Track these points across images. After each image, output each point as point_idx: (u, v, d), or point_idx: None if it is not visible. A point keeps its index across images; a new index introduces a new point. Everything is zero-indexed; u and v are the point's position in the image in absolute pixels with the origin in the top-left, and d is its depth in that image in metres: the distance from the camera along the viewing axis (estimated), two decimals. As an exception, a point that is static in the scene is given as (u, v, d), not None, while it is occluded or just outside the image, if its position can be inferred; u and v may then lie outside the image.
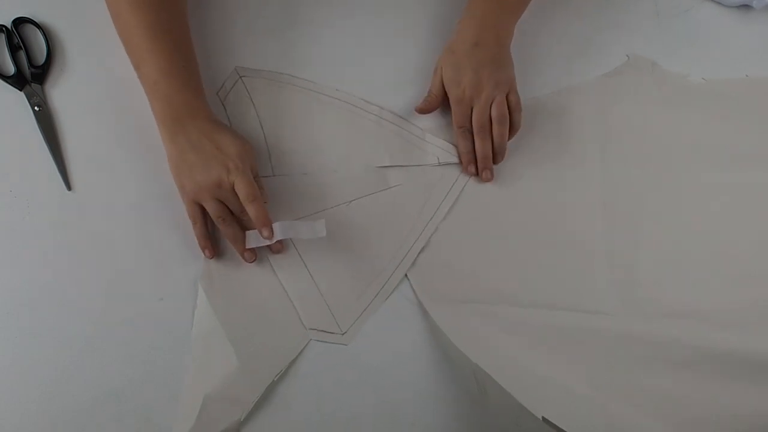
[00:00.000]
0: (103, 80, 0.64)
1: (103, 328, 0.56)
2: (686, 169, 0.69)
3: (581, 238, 0.65)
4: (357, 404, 0.57)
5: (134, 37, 0.59)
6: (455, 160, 0.67)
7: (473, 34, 0.66)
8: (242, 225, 0.59)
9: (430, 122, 0.69)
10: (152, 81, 0.58)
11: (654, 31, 0.78)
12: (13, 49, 0.64)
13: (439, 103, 0.68)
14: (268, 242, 0.57)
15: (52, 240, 0.58)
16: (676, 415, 0.55)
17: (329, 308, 0.59)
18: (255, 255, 0.60)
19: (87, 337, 0.56)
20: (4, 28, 0.65)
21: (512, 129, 0.67)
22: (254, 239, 0.58)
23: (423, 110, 0.67)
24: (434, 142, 0.68)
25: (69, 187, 0.61)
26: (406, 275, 0.62)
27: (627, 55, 0.75)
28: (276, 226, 0.57)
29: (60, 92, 0.64)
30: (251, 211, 0.56)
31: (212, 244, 0.59)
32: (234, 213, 0.58)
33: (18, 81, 0.63)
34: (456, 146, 0.67)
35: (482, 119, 0.65)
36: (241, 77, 0.67)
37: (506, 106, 0.66)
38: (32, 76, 0.63)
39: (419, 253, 0.63)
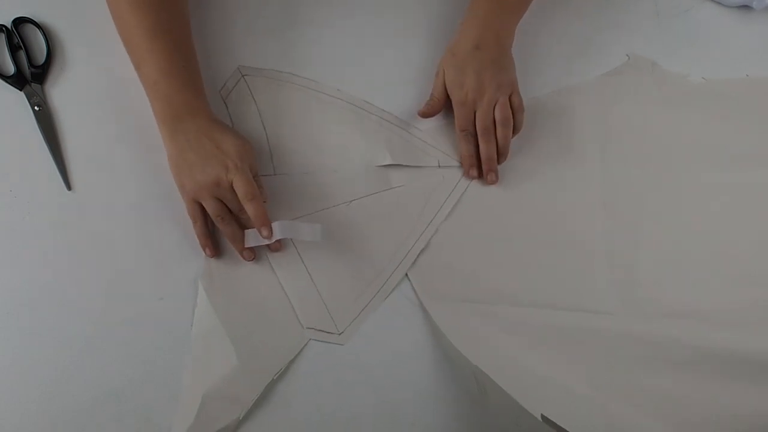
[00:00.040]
0: (103, 80, 0.64)
1: (103, 328, 0.56)
2: (686, 169, 0.69)
3: (581, 238, 0.65)
4: (357, 404, 0.57)
5: (134, 37, 0.59)
6: (455, 163, 0.67)
7: (474, 36, 0.66)
8: (241, 224, 0.59)
9: (430, 123, 0.69)
10: (152, 81, 0.58)
11: (654, 31, 0.78)
12: (13, 49, 0.64)
13: (442, 106, 0.67)
14: (266, 242, 0.57)
15: (52, 240, 0.58)
16: (676, 415, 0.55)
17: (327, 308, 0.59)
18: (254, 254, 0.60)
19: (87, 337, 0.56)
20: (4, 28, 0.64)
21: (515, 130, 0.67)
22: (253, 238, 0.58)
23: (425, 114, 0.67)
24: (435, 145, 0.68)
25: (69, 186, 0.60)
26: (407, 275, 0.62)
27: (627, 55, 0.75)
28: (275, 225, 0.57)
29: (60, 92, 0.64)
30: (250, 210, 0.56)
31: (213, 242, 0.59)
32: (233, 212, 0.58)
33: (18, 81, 0.63)
34: (457, 149, 0.67)
35: (486, 122, 0.65)
36: (243, 76, 0.67)
37: (510, 108, 0.66)
38: (32, 76, 0.63)
39: (420, 253, 0.63)
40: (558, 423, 0.50)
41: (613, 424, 0.54)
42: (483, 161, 0.66)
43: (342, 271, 0.61)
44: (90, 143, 0.62)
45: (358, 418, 0.56)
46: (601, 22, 0.77)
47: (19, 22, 0.65)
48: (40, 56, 0.64)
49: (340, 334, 0.59)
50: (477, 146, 0.66)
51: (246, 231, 0.58)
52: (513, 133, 0.66)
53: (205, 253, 0.59)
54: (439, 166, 0.67)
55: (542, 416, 0.51)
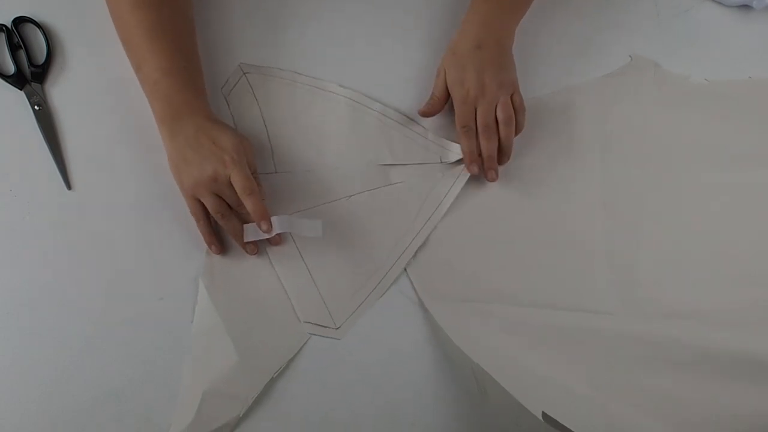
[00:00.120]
0: (103, 80, 0.64)
1: (103, 328, 0.56)
2: (686, 169, 0.69)
3: (581, 238, 0.65)
4: (357, 403, 0.57)
5: (135, 37, 0.59)
6: (457, 158, 0.67)
7: (475, 36, 0.66)
8: (242, 218, 0.59)
9: (432, 121, 0.69)
10: (152, 81, 0.58)
11: (654, 31, 0.78)
12: (13, 49, 0.64)
13: (443, 105, 0.67)
14: (266, 236, 0.57)
15: (52, 240, 0.58)
16: (676, 415, 0.55)
17: (324, 302, 0.59)
18: (257, 248, 0.60)
19: (87, 337, 0.56)
20: (4, 28, 0.64)
21: (516, 130, 0.66)
22: (252, 233, 0.58)
23: (426, 113, 0.67)
24: (437, 141, 0.68)
25: (69, 186, 0.60)
26: (407, 274, 0.62)
27: (629, 56, 0.75)
28: (274, 219, 0.57)
29: (60, 91, 0.64)
30: (248, 204, 0.56)
31: (218, 239, 0.59)
32: (232, 207, 0.58)
33: (18, 80, 0.63)
34: (458, 143, 0.67)
35: (487, 120, 0.65)
36: (245, 74, 0.67)
37: (512, 107, 0.65)
38: (32, 76, 0.63)
39: (419, 251, 0.63)
40: (559, 421, 0.50)
41: (613, 424, 0.54)
42: (484, 159, 0.65)
43: (340, 266, 0.61)
44: (90, 143, 0.62)
45: (358, 418, 0.57)
46: (601, 22, 0.77)
47: (19, 21, 0.65)
48: (40, 56, 0.64)
49: (337, 328, 0.59)
50: (477, 143, 0.66)
51: (245, 225, 0.58)
52: (515, 133, 0.66)
53: (212, 250, 0.59)
54: (441, 162, 0.67)
55: (543, 414, 0.51)
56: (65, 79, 0.65)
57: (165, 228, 0.60)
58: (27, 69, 0.64)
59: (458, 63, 0.66)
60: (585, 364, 0.57)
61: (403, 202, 0.65)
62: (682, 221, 0.67)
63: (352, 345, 0.58)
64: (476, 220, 0.65)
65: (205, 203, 0.57)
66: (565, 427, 0.50)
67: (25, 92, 0.63)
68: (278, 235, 0.58)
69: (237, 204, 0.57)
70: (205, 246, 0.60)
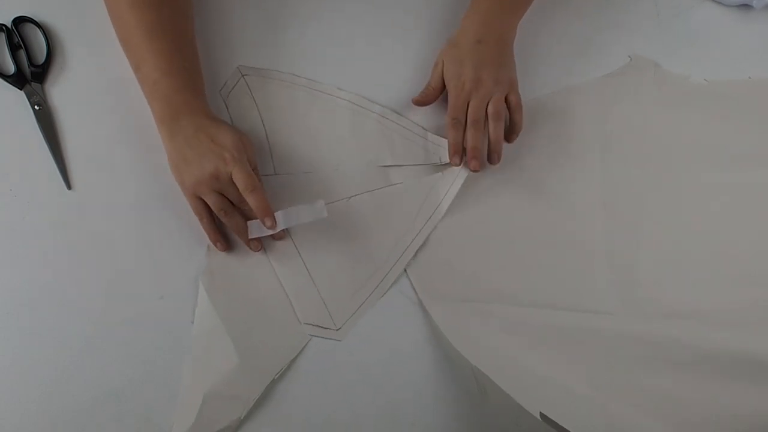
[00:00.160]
0: (103, 79, 0.64)
1: (103, 328, 0.56)
2: (686, 169, 0.69)
3: (581, 238, 0.65)
4: (357, 404, 0.57)
5: (134, 37, 0.59)
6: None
7: (476, 31, 0.66)
8: (244, 215, 0.59)
9: (432, 121, 0.69)
10: (152, 81, 0.58)
11: (654, 31, 0.78)
12: (14, 48, 0.64)
13: (437, 96, 0.68)
14: (270, 232, 0.57)
15: (52, 240, 0.58)
16: (676, 415, 0.55)
17: (324, 303, 0.59)
18: (260, 244, 0.60)
19: (87, 337, 0.56)
20: (4, 27, 0.64)
21: (514, 129, 0.66)
22: (256, 229, 0.58)
23: (420, 102, 0.67)
24: (436, 141, 0.67)
25: (69, 186, 0.60)
26: (407, 274, 0.62)
27: (629, 56, 0.75)
28: (278, 215, 0.57)
29: (60, 91, 0.64)
30: (251, 201, 0.56)
31: (223, 237, 0.59)
32: (235, 204, 0.58)
33: (18, 80, 0.63)
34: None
35: (478, 114, 0.64)
36: (243, 76, 0.67)
37: (504, 105, 0.65)
38: (32, 75, 0.63)
39: (418, 251, 0.63)
40: (557, 422, 0.50)
41: (613, 424, 0.54)
42: (468, 148, 0.64)
43: (340, 267, 0.61)
44: (90, 143, 0.62)
45: (358, 418, 0.57)
46: (601, 22, 0.77)
47: (19, 21, 0.65)
48: (40, 55, 0.64)
49: (337, 329, 0.59)
50: (464, 136, 0.65)
51: (249, 222, 0.58)
52: (512, 132, 0.66)
53: (217, 248, 0.59)
54: (441, 163, 0.67)
55: (541, 414, 0.51)
56: (65, 79, 0.65)
57: (165, 228, 0.60)
58: (27, 69, 0.64)
59: (457, 56, 0.66)
60: (585, 364, 0.57)
61: (403, 202, 0.65)
62: (682, 221, 0.67)
63: (353, 346, 0.58)
64: (476, 220, 0.65)
65: (207, 201, 0.57)
66: (564, 428, 0.50)
67: (25, 92, 0.63)
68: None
69: (239, 201, 0.57)
70: (205, 246, 0.60)
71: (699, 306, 0.62)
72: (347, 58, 0.70)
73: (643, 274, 0.63)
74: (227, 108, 0.66)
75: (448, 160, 0.67)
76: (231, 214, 0.58)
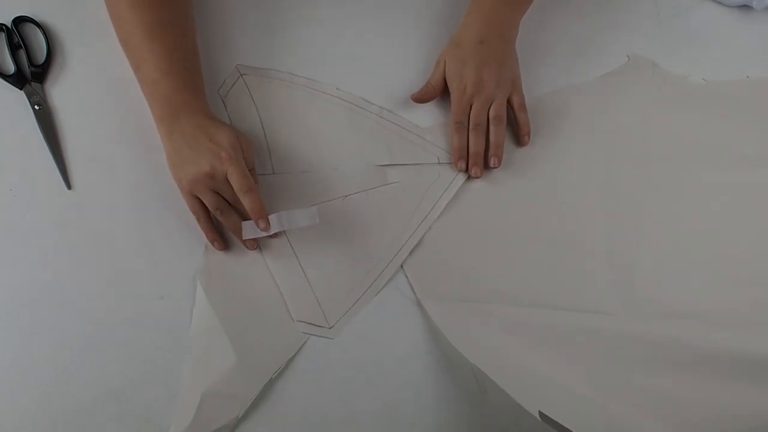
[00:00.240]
0: (103, 79, 0.64)
1: (103, 328, 0.56)
2: (686, 169, 0.69)
3: (581, 238, 0.65)
4: (356, 403, 0.57)
5: (134, 36, 0.59)
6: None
7: (478, 31, 0.66)
8: (240, 214, 0.59)
9: (430, 121, 0.69)
10: (151, 81, 0.58)
11: (654, 31, 0.78)
12: (14, 48, 0.64)
13: (436, 94, 0.68)
14: (264, 234, 0.57)
15: (52, 239, 0.58)
16: (676, 415, 0.55)
17: (318, 301, 0.59)
18: (256, 242, 0.60)
19: (87, 337, 0.55)
20: (4, 27, 0.64)
21: (523, 130, 0.67)
22: (250, 230, 0.57)
23: (419, 99, 0.67)
24: (435, 141, 0.68)
25: (69, 186, 0.60)
26: (405, 274, 0.62)
27: (627, 56, 0.75)
28: (272, 218, 0.57)
29: (60, 91, 0.64)
30: (246, 202, 0.56)
31: (221, 236, 0.59)
32: (230, 203, 0.58)
33: (18, 80, 0.63)
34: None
35: (479, 117, 0.65)
36: (242, 75, 0.67)
37: (505, 109, 0.66)
38: (32, 75, 0.63)
39: (417, 250, 0.63)
40: (557, 421, 0.50)
41: (613, 424, 0.54)
42: (470, 154, 0.65)
43: (334, 265, 0.61)
44: (90, 143, 0.62)
45: (357, 418, 0.56)
46: (601, 22, 0.77)
47: (19, 21, 0.65)
48: (40, 55, 0.64)
49: (330, 327, 0.59)
50: (468, 140, 0.66)
51: (243, 223, 0.58)
52: (523, 134, 0.67)
53: (214, 247, 0.59)
54: (439, 163, 0.67)
55: (541, 414, 0.51)
56: (65, 79, 0.65)
57: (165, 227, 0.60)
58: (27, 69, 0.64)
59: (459, 56, 0.66)
60: (585, 364, 0.57)
61: (399, 201, 0.65)
62: (682, 221, 0.67)
63: (352, 345, 0.58)
64: (475, 219, 0.65)
65: (203, 200, 0.58)
66: (564, 427, 0.50)
67: (25, 92, 0.63)
68: None
69: (234, 200, 0.57)
70: (204, 245, 0.60)
71: (699, 306, 0.62)
72: (346, 58, 0.70)
73: (643, 274, 0.63)
74: (226, 107, 0.66)
75: (446, 160, 0.67)
76: (227, 213, 0.58)
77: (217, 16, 0.70)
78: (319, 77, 0.69)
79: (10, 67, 0.63)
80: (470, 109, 0.66)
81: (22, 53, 0.64)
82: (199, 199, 0.58)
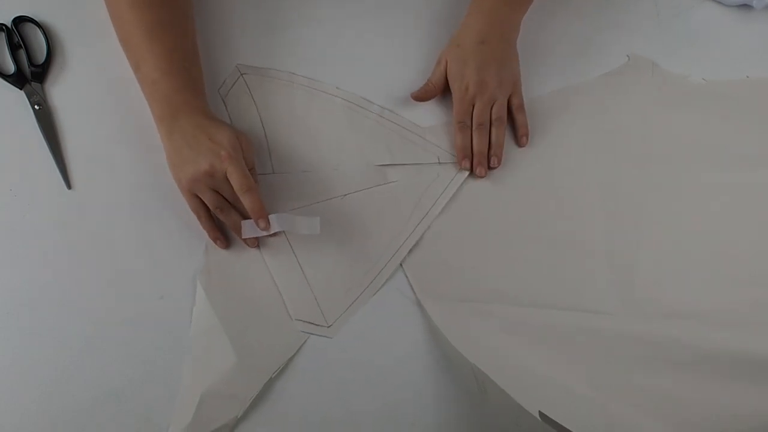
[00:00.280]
0: (103, 79, 0.64)
1: (103, 328, 0.56)
2: (686, 169, 0.69)
3: (581, 238, 0.65)
4: (356, 403, 0.57)
5: (134, 36, 0.59)
6: (454, 160, 0.67)
7: (479, 30, 0.66)
8: (241, 212, 0.59)
9: (431, 121, 0.69)
10: (151, 81, 0.58)
11: (654, 31, 0.78)
12: (14, 48, 0.64)
13: (437, 93, 0.68)
14: (264, 233, 0.57)
15: (52, 239, 0.58)
16: (676, 415, 0.55)
17: (317, 300, 0.59)
18: (257, 241, 0.60)
19: (87, 337, 0.56)
20: (4, 27, 0.64)
21: (522, 131, 0.67)
22: (250, 229, 0.57)
23: (419, 98, 0.67)
24: (435, 141, 0.68)
25: (69, 185, 0.60)
26: (405, 273, 0.62)
27: (627, 56, 0.75)
28: (273, 218, 0.57)
29: (60, 91, 0.64)
30: (246, 201, 0.56)
31: (223, 234, 0.59)
32: (230, 201, 0.58)
33: (18, 80, 0.63)
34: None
35: (482, 118, 0.65)
36: (242, 74, 0.67)
37: (506, 110, 0.67)
38: (32, 75, 0.63)
39: (417, 250, 0.63)
40: (557, 421, 0.50)
41: (613, 424, 0.54)
42: (474, 154, 0.66)
43: (333, 264, 0.61)
44: (90, 142, 0.62)
45: (357, 418, 0.56)
46: (601, 22, 0.77)
47: (19, 21, 0.65)
48: (40, 55, 0.64)
49: (329, 326, 0.59)
50: (471, 139, 0.66)
51: (243, 222, 0.58)
52: (522, 135, 0.67)
53: (217, 245, 0.59)
54: (439, 163, 0.67)
55: (540, 414, 0.51)
56: (65, 78, 0.65)
57: (165, 227, 0.60)
58: (27, 68, 0.64)
59: (461, 56, 0.66)
60: (585, 364, 0.57)
61: (398, 200, 0.65)
62: (682, 221, 0.67)
63: (352, 345, 0.58)
64: (476, 219, 0.65)
65: (203, 199, 0.58)
66: (563, 427, 0.50)
67: (25, 92, 0.63)
68: None
69: (234, 199, 0.57)
70: (204, 245, 0.60)
71: (699, 306, 0.62)
72: (346, 58, 0.70)
73: (643, 274, 0.63)
74: (226, 107, 0.66)
75: (446, 160, 0.67)
76: (227, 212, 0.58)
77: (217, 16, 0.70)
78: (319, 77, 0.69)
79: (10, 67, 0.63)
80: (472, 109, 0.66)
81: (22, 53, 0.64)
82: (199, 198, 0.58)
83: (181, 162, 0.57)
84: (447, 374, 0.58)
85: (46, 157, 0.61)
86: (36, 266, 0.57)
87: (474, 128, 0.66)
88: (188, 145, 0.57)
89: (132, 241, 0.59)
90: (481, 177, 0.66)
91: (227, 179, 0.56)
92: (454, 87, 0.66)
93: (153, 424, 0.54)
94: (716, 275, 0.64)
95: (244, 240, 0.60)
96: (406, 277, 0.62)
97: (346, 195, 0.64)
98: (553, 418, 0.50)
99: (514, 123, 0.68)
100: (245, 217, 0.58)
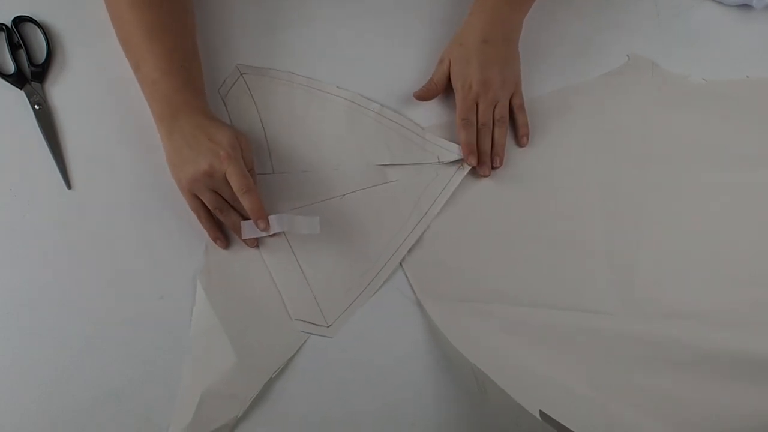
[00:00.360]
0: (103, 79, 0.64)
1: (103, 328, 0.56)
2: (686, 169, 0.69)
3: (581, 238, 0.65)
4: (356, 403, 0.57)
5: (133, 36, 0.59)
6: (455, 158, 0.67)
7: (482, 30, 0.66)
8: (240, 213, 0.59)
9: (431, 121, 0.69)
10: (151, 80, 0.58)
11: (654, 31, 0.78)
12: (14, 48, 0.64)
13: (439, 92, 0.68)
14: (264, 234, 0.57)
15: (52, 239, 0.58)
16: (676, 415, 0.55)
17: (316, 300, 0.59)
18: (256, 240, 0.60)
19: (87, 337, 0.56)
20: (4, 27, 0.64)
21: (522, 131, 0.68)
22: (249, 230, 0.57)
23: (422, 97, 0.67)
24: (435, 140, 0.68)
25: (69, 185, 0.60)
26: (405, 273, 0.62)
27: (627, 56, 0.75)
28: (272, 219, 0.57)
29: (60, 91, 0.64)
30: (245, 202, 0.56)
31: (223, 234, 0.60)
32: (229, 201, 0.58)
33: (18, 80, 0.63)
34: (457, 143, 0.67)
35: (486, 117, 0.66)
36: (242, 74, 0.67)
37: (508, 109, 0.67)
38: (32, 75, 0.63)
39: (417, 250, 0.63)
40: (556, 419, 0.50)
41: (613, 424, 0.54)
42: (479, 154, 0.66)
43: (333, 263, 0.61)
44: (90, 142, 0.62)
45: (357, 418, 0.56)
46: (601, 22, 0.77)
47: (19, 20, 0.65)
48: (40, 55, 0.64)
49: (328, 326, 0.59)
50: (475, 136, 0.66)
51: (242, 222, 0.58)
52: (523, 135, 0.68)
53: (217, 245, 0.59)
54: (439, 162, 0.67)
55: (541, 413, 0.51)
56: (65, 78, 0.65)
57: (165, 227, 0.60)
58: (27, 68, 0.64)
59: (464, 55, 0.66)
60: (585, 364, 0.57)
61: (397, 200, 0.65)
62: (682, 221, 0.67)
63: (352, 345, 0.58)
64: (476, 219, 0.65)
65: (203, 199, 0.58)
66: (564, 427, 0.50)
67: (25, 92, 0.63)
68: None
69: (234, 199, 0.57)
70: (204, 245, 0.60)
71: (699, 306, 0.62)
72: (346, 58, 0.70)
73: (643, 274, 0.63)
74: (226, 107, 0.66)
75: (446, 159, 0.67)
76: (227, 213, 0.58)
77: (217, 16, 0.70)
78: (319, 77, 0.69)
79: (10, 67, 0.63)
80: (476, 107, 0.66)
81: (22, 53, 0.64)
82: (199, 198, 0.58)
83: (180, 162, 0.57)
84: (447, 374, 0.58)
85: (46, 157, 0.61)
86: (36, 266, 0.57)
87: (478, 128, 0.66)
88: (188, 145, 0.57)
89: (132, 241, 0.59)
90: (485, 176, 0.66)
91: (226, 180, 0.56)
92: (457, 86, 0.66)
93: (153, 424, 0.54)
94: (716, 275, 0.64)
95: (244, 240, 0.59)
96: (406, 276, 0.62)
97: (345, 195, 0.64)
98: (552, 415, 0.50)
99: (515, 123, 0.68)
100: (245, 217, 0.58)
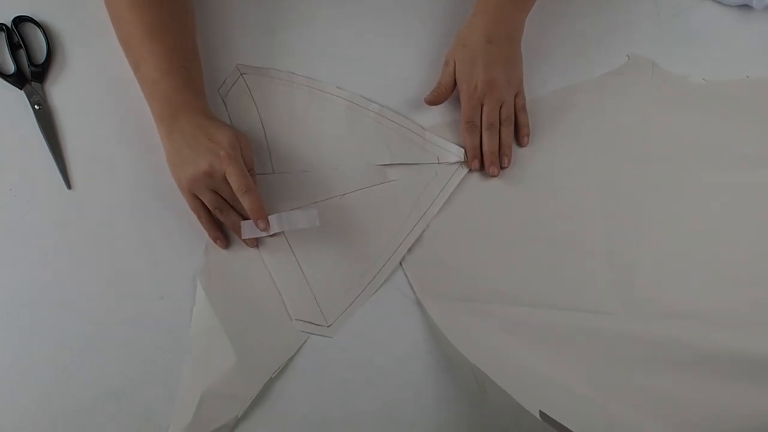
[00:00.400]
0: (103, 79, 0.64)
1: (103, 328, 0.56)
2: (686, 169, 0.69)
3: (581, 238, 0.65)
4: (356, 403, 0.57)
5: (133, 37, 0.59)
6: (455, 159, 0.67)
7: (486, 30, 0.66)
8: (240, 213, 0.59)
9: (430, 121, 0.69)
10: (151, 80, 0.58)
11: (654, 31, 0.78)
12: (14, 48, 0.64)
13: (449, 94, 0.68)
14: (264, 234, 0.57)
15: (52, 239, 0.58)
16: (676, 415, 0.55)
17: (316, 300, 0.59)
18: (256, 240, 0.60)
19: (87, 337, 0.56)
20: (4, 27, 0.64)
21: (524, 131, 0.68)
22: (249, 230, 0.57)
23: (432, 102, 0.67)
24: (434, 141, 0.68)
25: (69, 185, 0.61)
26: (405, 273, 0.62)
27: (627, 56, 0.75)
28: (272, 219, 0.57)
29: (60, 91, 0.64)
30: (245, 202, 0.56)
31: (223, 234, 0.60)
32: (229, 201, 0.58)
33: (18, 80, 0.63)
34: (457, 144, 0.67)
35: (492, 118, 0.66)
36: (242, 74, 0.67)
37: (513, 109, 0.67)
38: (32, 75, 0.63)
39: (417, 250, 0.63)
40: (556, 419, 0.50)
41: (613, 424, 0.54)
42: (486, 154, 0.66)
43: (333, 263, 0.61)
44: (90, 142, 0.62)
45: (357, 418, 0.56)
46: (601, 22, 0.77)
47: (19, 20, 0.65)
48: (40, 55, 0.64)
49: (328, 326, 0.59)
50: (480, 139, 0.66)
51: (242, 222, 0.58)
52: (524, 135, 0.68)
53: (217, 245, 0.59)
54: (438, 162, 0.67)
55: (541, 413, 0.51)
56: (65, 78, 0.65)
57: (165, 227, 0.60)
58: (27, 68, 0.64)
59: (468, 56, 0.66)
60: (585, 364, 0.57)
61: (397, 200, 0.65)
62: (682, 221, 0.67)
63: (352, 345, 0.58)
64: (476, 219, 0.65)
65: (203, 199, 0.58)
66: (564, 427, 0.50)
67: (25, 92, 0.63)
68: None
69: (234, 199, 0.57)
70: (204, 245, 0.60)
71: (699, 306, 0.62)
72: (346, 58, 0.70)
73: (643, 274, 0.63)
74: (226, 107, 0.66)
75: (446, 160, 0.67)
76: (227, 213, 0.58)
77: (217, 16, 0.70)
78: (319, 77, 0.69)
79: (10, 67, 0.63)
80: (481, 109, 0.66)
81: (22, 53, 0.64)
82: (199, 198, 0.58)
83: (180, 162, 0.57)
84: (447, 374, 0.58)
85: (46, 157, 0.61)
86: (36, 266, 0.57)
87: (484, 128, 0.66)
88: (188, 145, 0.57)
89: (132, 241, 0.59)
90: (494, 176, 0.66)
91: (226, 180, 0.56)
92: (463, 87, 0.66)
93: (153, 424, 0.54)
94: (716, 275, 0.64)
95: (244, 240, 0.59)
96: (406, 276, 0.62)
97: (345, 194, 0.64)
98: (552, 415, 0.50)
99: (517, 122, 0.68)
100: (245, 217, 0.58)
